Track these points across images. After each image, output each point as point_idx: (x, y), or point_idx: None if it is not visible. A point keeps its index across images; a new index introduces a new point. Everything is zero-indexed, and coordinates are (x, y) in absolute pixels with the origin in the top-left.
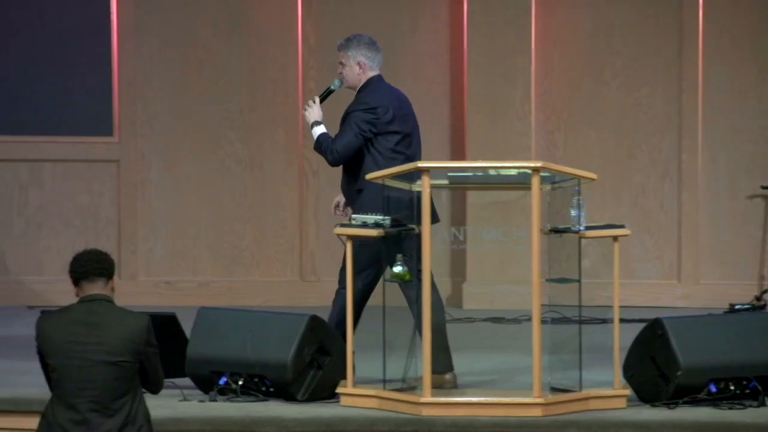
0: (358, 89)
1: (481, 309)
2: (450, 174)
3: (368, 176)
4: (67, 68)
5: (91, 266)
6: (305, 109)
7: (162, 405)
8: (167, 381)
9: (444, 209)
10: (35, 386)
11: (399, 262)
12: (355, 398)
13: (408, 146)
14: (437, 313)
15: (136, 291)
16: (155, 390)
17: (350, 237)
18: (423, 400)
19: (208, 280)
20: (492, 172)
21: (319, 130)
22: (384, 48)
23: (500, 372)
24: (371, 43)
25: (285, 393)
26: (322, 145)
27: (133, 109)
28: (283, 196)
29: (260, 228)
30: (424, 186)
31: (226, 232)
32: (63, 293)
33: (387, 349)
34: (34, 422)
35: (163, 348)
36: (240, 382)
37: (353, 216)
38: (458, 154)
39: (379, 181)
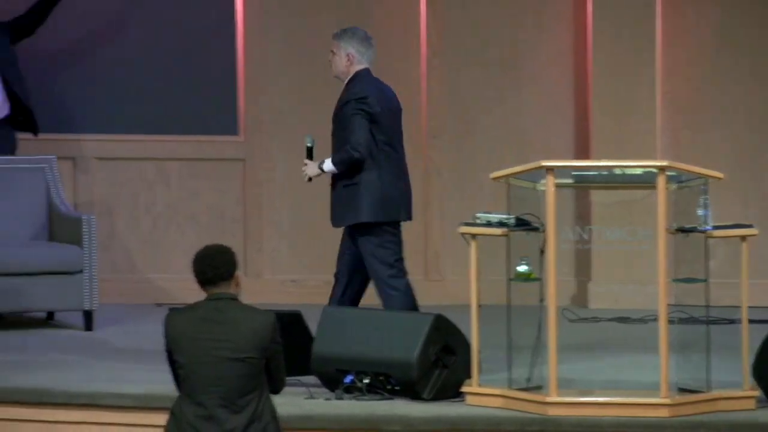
0: (346, 81)
1: (607, 309)
2: (574, 173)
3: (493, 175)
4: (194, 67)
5: (212, 273)
6: (303, 172)
7: (288, 403)
8: (293, 379)
9: (568, 208)
10: (165, 383)
11: (523, 262)
12: (480, 397)
13: (397, 141)
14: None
15: (262, 289)
16: (277, 388)
17: (474, 236)
18: (549, 399)
19: (333, 279)
20: (617, 171)
21: (327, 166)
22: (508, 48)
23: (626, 372)
24: (365, 38)
25: (410, 392)
26: (342, 159)
27: (258, 108)
28: None
29: None
30: (548, 185)
31: None
32: (190, 290)
33: (512, 348)
34: (163, 419)
35: (288, 346)
36: (366, 381)
37: (477, 215)
38: (583, 153)
39: (503, 180)
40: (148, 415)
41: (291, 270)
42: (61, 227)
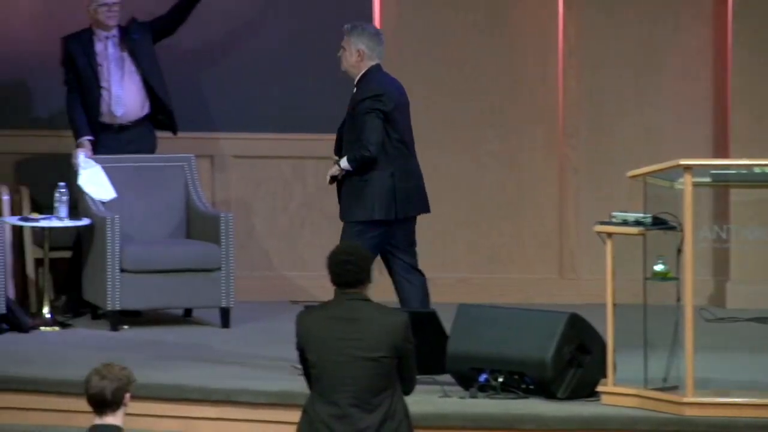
0: (358, 78)
1: (745, 308)
2: (713, 172)
3: (630, 173)
4: (331, 67)
5: (353, 277)
6: (328, 178)
7: (422, 401)
8: (427, 377)
9: (706, 207)
10: (298, 380)
11: (660, 261)
12: (615, 397)
13: (408, 136)
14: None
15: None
16: (408, 389)
17: (610, 235)
18: (686, 399)
19: (466, 276)
20: (757, 170)
21: (343, 161)
22: (645, 47)
23: (764, 372)
24: (375, 34)
25: (545, 391)
26: (356, 157)
27: None
28: (541, 193)
29: (518, 225)
30: (686, 184)
31: (484, 229)
32: (325, 289)
33: (648, 347)
34: (297, 416)
35: (422, 344)
36: (500, 380)
37: (613, 214)
38: (721, 151)
39: (640, 179)
40: (283, 412)
41: (424, 268)
42: (200, 225)
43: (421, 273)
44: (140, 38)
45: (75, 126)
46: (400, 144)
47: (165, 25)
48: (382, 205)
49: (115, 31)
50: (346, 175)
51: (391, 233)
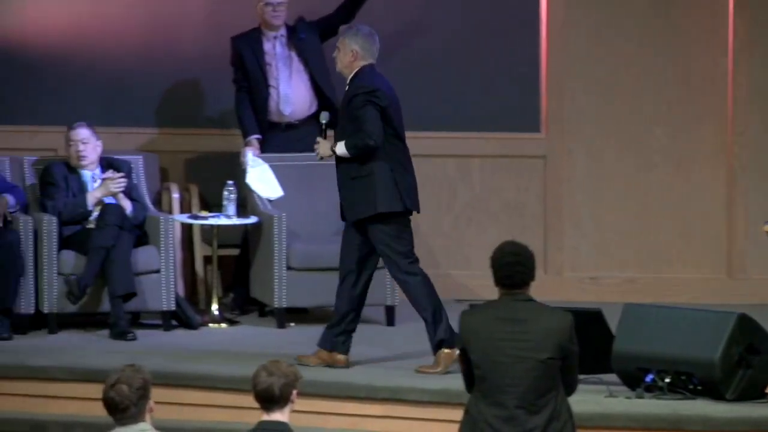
0: (351, 77)
1: None
2: None
3: None
4: (497, 65)
5: (518, 278)
6: (316, 150)
7: (587, 401)
8: (593, 377)
9: None
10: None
11: None
12: None
13: (401, 134)
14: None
15: (561, 287)
16: (570, 390)
17: None
18: None
19: (632, 276)
20: None
21: (339, 148)
22: None
23: None
24: (369, 35)
25: (713, 392)
26: (356, 144)
27: (560, 105)
28: (709, 191)
29: (686, 224)
30: None
31: (651, 228)
32: (489, 287)
33: None
34: (460, 414)
35: (588, 344)
36: (667, 380)
37: None
38: None
39: None
40: (447, 411)
41: (590, 267)
42: None
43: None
44: (307, 37)
45: (243, 125)
46: (396, 140)
47: (332, 25)
48: (386, 197)
49: (282, 31)
50: (341, 175)
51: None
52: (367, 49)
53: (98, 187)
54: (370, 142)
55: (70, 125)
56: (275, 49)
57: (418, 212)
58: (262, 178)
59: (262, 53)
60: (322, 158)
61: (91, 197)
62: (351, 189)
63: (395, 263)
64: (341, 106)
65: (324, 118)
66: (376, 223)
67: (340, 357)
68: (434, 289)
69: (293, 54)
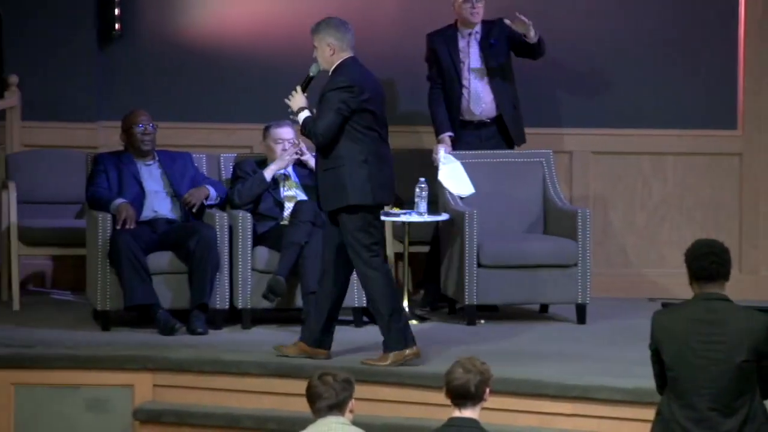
0: (332, 70)
1: None
2: None
3: None
4: (695, 61)
5: (714, 269)
6: (288, 99)
7: None
8: None
9: None
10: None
11: None
12: None
13: (382, 126)
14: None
15: (758, 286)
16: (766, 393)
17: None
18: None
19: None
20: None
21: (304, 115)
22: None
23: None
24: (339, 24)
25: None
26: (308, 129)
27: (757, 102)
28: None
29: None
30: None
31: None
32: (684, 286)
33: None
34: (652, 414)
35: None
36: None
37: None
38: None
39: None
40: (638, 410)
41: None
42: (557, 220)
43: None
44: (498, 46)
45: (436, 122)
46: (373, 132)
47: (518, 50)
48: (356, 189)
49: (477, 28)
50: (316, 166)
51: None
52: (341, 38)
53: (275, 162)
54: (313, 141)
55: (268, 123)
56: (469, 47)
57: (390, 205)
58: (454, 176)
59: (456, 50)
60: (291, 112)
61: (269, 171)
62: (324, 179)
63: (359, 255)
64: (321, 93)
65: (313, 71)
66: (346, 213)
67: (322, 351)
68: (395, 290)
69: (482, 55)
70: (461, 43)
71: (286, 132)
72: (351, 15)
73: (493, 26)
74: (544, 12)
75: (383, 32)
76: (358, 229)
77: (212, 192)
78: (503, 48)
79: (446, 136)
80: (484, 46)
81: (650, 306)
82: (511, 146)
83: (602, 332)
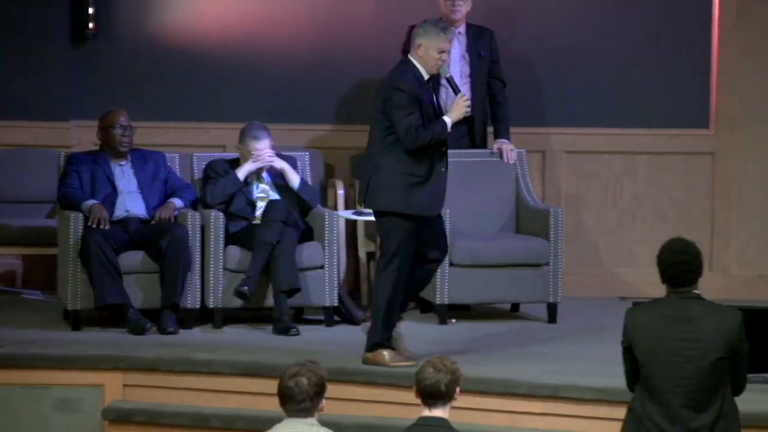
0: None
1: None
2: None
3: None
4: (667, 60)
5: (687, 277)
6: (465, 105)
7: (758, 400)
8: (761, 376)
9: None
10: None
11: None
12: None
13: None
14: None
15: (728, 285)
16: (738, 390)
17: None
18: None
19: None
20: None
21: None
22: None
23: None
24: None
25: None
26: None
27: (730, 102)
28: None
29: None
30: None
31: None
32: (656, 285)
33: None
34: (622, 412)
35: (757, 343)
36: None
37: None
38: None
39: None
40: (608, 409)
41: (758, 265)
42: (529, 220)
43: None
44: (486, 55)
45: None
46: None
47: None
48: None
49: (462, 29)
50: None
51: None
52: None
53: (248, 162)
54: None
55: (245, 122)
56: (452, 47)
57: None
58: None
59: None
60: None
61: (242, 171)
62: (381, 179)
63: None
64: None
65: (447, 72)
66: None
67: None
68: (397, 306)
69: (466, 58)
70: None
71: (263, 145)
72: (329, 14)
73: (482, 35)
74: (519, 12)
75: (364, 32)
76: (384, 234)
77: (178, 203)
78: (488, 60)
79: None
80: (473, 53)
81: (621, 305)
82: (474, 145)
83: (573, 331)
